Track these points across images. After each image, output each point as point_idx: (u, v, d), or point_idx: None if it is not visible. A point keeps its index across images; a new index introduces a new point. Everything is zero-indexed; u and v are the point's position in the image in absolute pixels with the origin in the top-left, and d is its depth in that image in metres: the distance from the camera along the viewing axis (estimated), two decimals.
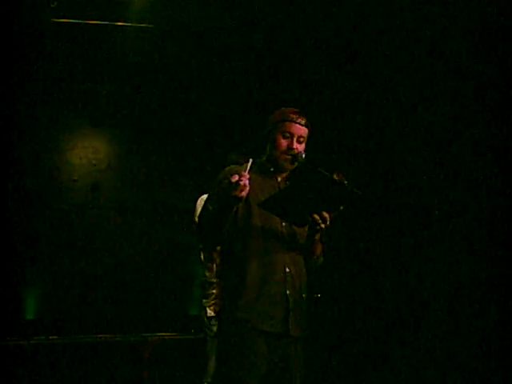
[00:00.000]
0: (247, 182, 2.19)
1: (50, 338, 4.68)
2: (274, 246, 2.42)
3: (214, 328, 3.35)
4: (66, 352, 4.55)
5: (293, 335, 2.38)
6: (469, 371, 3.84)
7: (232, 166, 2.51)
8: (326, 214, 2.32)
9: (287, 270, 2.41)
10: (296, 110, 2.52)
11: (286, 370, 2.36)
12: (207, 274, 3.50)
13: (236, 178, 2.19)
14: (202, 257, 3.53)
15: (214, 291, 3.47)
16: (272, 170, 2.53)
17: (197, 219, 3.48)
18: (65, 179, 5.28)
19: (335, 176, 2.19)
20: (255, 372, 2.30)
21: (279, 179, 2.53)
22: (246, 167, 2.23)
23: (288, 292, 2.38)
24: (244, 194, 2.20)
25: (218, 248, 2.88)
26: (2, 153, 4.97)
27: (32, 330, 4.73)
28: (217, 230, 2.35)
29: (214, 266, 3.48)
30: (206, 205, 2.45)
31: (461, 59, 4.07)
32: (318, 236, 2.45)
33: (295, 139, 2.46)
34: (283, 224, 2.46)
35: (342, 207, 2.35)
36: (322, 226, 2.33)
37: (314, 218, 2.32)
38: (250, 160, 2.26)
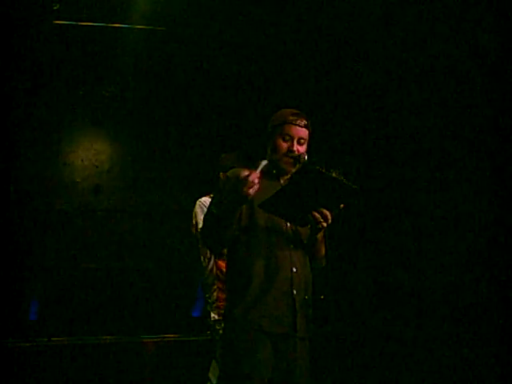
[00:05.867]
0: (257, 179, 2.16)
1: (53, 339, 4.68)
2: (279, 246, 2.41)
3: (220, 331, 3.33)
4: (68, 354, 4.55)
5: (300, 336, 2.37)
6: (468, 371, 3.83)
7: (235, 169, 2.49)
8: (326, 212, 2.30)
9: (293, 269, 2.40)
10: (295, 111, 2.50)
11: (291, 370, 2.35)
12: (205, 277, 3.49)
13: (246, 173, 2.16)
14: (202, 260, 3.52)
15: (215, 294, 3.45)
16: (274, 172, 2.52)
17: (194, 222, 3.48)
18: (67, 181, 5.27)
19: (333, 173, 2.17)
20: (261, 373, 2.29)
21: (282, 182, 2.52)
22: (258, 166, 2.19)
23: (294, 292, 2.38)
24: (252, 191, 2.16)
25: (224, 251, 2.85)
26: (4, 154, 4.97)
27: (34, 332, 4.73)
28: (222, 232, 2.33)
29: (215, 268, 3.47)
30: (209, 209, 2.41)
31: (459, 61, 4.07)
32: (320, 235, 2.44)
33: (295, 141, 2.45)
34: (288, 224, 2.46)
35: (342, 205, 2.34)
36: (324, 224, 2.32)
37: (314, 217, 2.31)
38: (264, 161, 2.23)
